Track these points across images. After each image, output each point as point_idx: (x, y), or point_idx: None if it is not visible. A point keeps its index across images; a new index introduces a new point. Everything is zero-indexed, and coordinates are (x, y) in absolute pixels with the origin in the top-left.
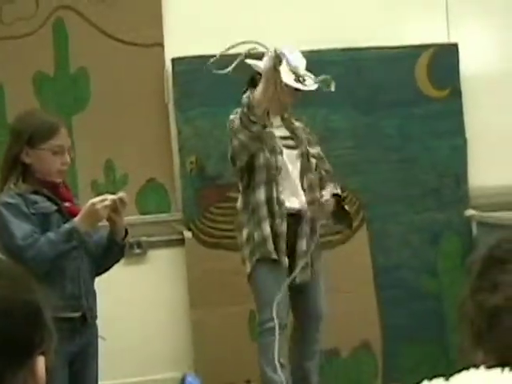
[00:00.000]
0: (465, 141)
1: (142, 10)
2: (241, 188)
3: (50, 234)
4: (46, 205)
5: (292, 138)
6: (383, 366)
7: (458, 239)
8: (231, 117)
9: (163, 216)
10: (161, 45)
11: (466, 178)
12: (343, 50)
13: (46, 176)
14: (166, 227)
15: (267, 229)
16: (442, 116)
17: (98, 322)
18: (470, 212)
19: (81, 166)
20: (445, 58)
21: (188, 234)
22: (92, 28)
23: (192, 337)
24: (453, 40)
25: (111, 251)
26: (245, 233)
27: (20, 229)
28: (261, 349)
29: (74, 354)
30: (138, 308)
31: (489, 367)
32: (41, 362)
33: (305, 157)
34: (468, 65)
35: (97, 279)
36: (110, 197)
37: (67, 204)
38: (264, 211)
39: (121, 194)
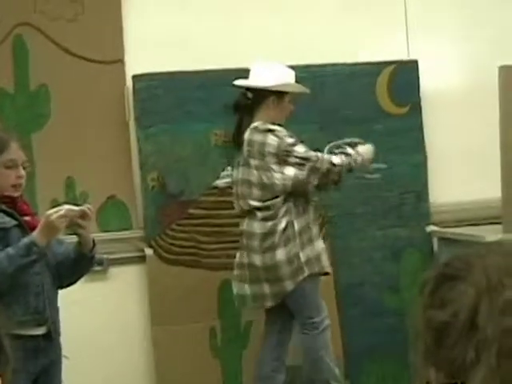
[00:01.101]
0: (425, 157)
1: (103, 27)
2: (272, 212)
3: (9, 249)
4: (5, 220)
5: None
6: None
7: (420, 255)
8: (290, 141)
9: (124, 233)
10: (121, 61)
11: (426, 194)
12: (306, 66)
13: (1, 191)
14: (127, 244)
15: (321, 245)
16: (402, 132)
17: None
18: (431, 228)
19: (41, 183)
20: (405, 74)
21: (149, 251)
22: (52, 45)
23: (153, 354)
24: (413, 56)
25: (79, 263)
26: (282, 254)
27: None
28: (324, 345)
29: (38, 373)
30: (99, 326)
31: None
32: None
33: None
34: (428, 81)
35: (60, 296)
36: (66, 207)
37: (27, 218)
38: (316, 229)
39: (84, 207)
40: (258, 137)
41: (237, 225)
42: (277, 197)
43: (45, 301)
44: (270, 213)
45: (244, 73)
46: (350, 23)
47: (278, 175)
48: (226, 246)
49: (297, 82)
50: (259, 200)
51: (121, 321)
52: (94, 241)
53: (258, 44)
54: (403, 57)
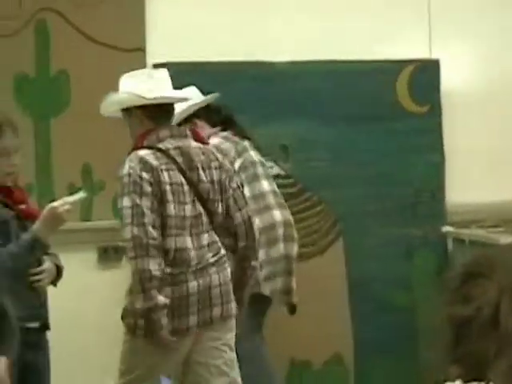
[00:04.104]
0: (443, 157)
1: (125, 15)
2: None
3: (12, 248)
4: (2, 212)
5: None
6: (355, 379)
7: (433, 255)
8: None
9: None
10: (142, 50)
11: (442, 195)
12: (324, 62)
13: None
14: None
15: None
16: (420, 132)
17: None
18: (446, 228)
19: (57, 168)
20: (426, 73)
21: None
22: (74, 31)
23: None
24: (435, 56)
25: None
26: None
27: None
28: None
29: (24, 366)
30: (114, 313)
31: (465, 381)
32: (1, 363)
33: None
34: (449, 81)
35: (74, 283)
36: (69, 199)
37: (22, 206)
38: None
39: (81, 195)
40: None
41: None
42: None
43: (40, 295)
44: None
45: (266, 66)
46: (373, 20)
47: None
48: None
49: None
50: None
51: None
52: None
53: (282, 38)
54: (425, 56)
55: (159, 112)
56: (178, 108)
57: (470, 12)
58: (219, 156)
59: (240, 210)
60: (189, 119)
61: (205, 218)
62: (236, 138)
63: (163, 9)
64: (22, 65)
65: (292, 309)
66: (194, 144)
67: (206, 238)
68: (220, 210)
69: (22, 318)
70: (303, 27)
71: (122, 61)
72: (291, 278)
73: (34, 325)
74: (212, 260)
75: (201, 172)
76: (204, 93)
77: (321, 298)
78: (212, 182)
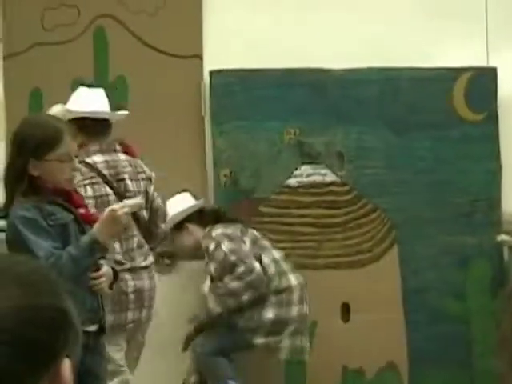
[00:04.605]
0: (500, 166)
1: (183, 22)
2: None
3: (72, 250)
4: (63, 215)
5: None
6: None
7: (489, 264)
8: None
9: None
10: (200, 57)
11: (499, 203)
12: (380, 69)
13: (56, 186)
14: None
15: None
16: (477, 140)
17: None
18: (501, 237)
19: None
20: (483, 81)
21: None
22: (132, 37)
23: None
24: (492, 64)
25: None
26: None
27: (41, 248)
28: None
29: (84, 373)
30: (167, 319)
31: None
32: (66, 365)
33: None
34: (506, 90)
35: None
36: (129, 202)
37: (81, 210)
38: None
39: (139, 200)
40: None
41: (306, 224)
42: None
43: (98, 298)
44: None
45: (322, 73)
46: (429, 27)
47: None
48: (295, 245)
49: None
50: None
51: (186, 314)
52: None
53: (335, 45)
54: (482, 63)
55: (92, 127)
56: (171, 212)
57: None
58: (146, 169)
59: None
60: (181, 224)
61: (132, 223)
62: (231, 224)
63: (220, 16)
64: (80, 70)
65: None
66: (122, 157)
67: (134, 242)
68: (146, 217)
69: (82, 322)
70: (358, 33)
71: (179, 67)
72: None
73: (92, 328)
74: (143, 264)
75: (128, 182)
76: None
77: (375, 305)
78: (139, 192)
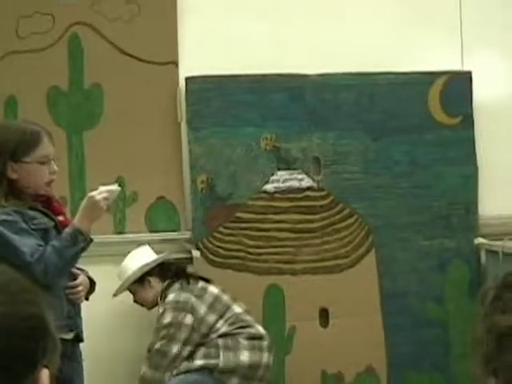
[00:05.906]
0: (476, 169)
1: (158, 29)
2: None
3: (55, 243)
4: (44, 220)
5: None
6: None
7: (466, 267)
8: None
9: (172, 234)
10: (175, 63)
11: (475, 207)
12: (356, 74)
13: (36, 189)
14: (174, 245)
15: None
16: (453, 143)
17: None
18: (479, 240)
19: (91, 181)
20: (458, 85)
21: (196, 253)
22: (108, 44)
23: None
24: (467, 68)
25: None
26: None
27: (25, 245)
28: None
29: (60, 381)
30: (147, 326)
31: None
32: (44, 374)
33: None
34: (481, 93)
35: (107, 296)
36: (105, 188)
37: (60, 218)
38: None
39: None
40: None
41: (284, 230)
42: None
43: (75, 304)
44: None
45: (298, 78)
46: (404, 31)
47: None
48: (272, 250)
49: None
50: None
51: None
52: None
53: (311, 50)
54: (457, 67)
55: None
56: (133, 267)
57: (501, 24)
58: None
59: None
60: (142, 277)
61: None
62: (190, 286)
63: (195, 22)
64: (55, 78)
65: None
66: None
67: None
68: None
69: (59, 329)
70: (335, 39)
71: (155, 74)
72: None
73: (69, 336)
74: None
75: None
76: None
77: (353, 310)
78: None
